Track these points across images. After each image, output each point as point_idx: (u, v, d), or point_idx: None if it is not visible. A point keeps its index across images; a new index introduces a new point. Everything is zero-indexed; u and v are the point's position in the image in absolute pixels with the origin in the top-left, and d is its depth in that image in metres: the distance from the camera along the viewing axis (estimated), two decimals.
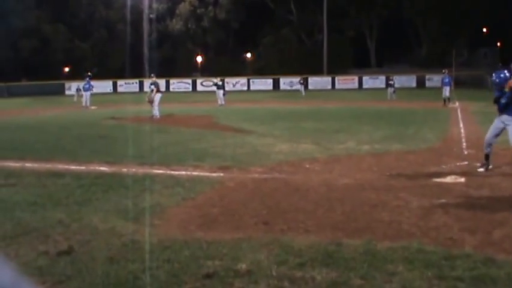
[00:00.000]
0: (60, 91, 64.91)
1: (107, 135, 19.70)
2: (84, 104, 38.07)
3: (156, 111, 26.93)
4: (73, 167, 12.42)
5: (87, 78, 40.53)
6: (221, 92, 38.15)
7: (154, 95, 27.29)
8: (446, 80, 33.50)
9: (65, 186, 10.16)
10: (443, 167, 11.93)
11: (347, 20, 78.28)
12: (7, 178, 11.15)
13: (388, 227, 7.24)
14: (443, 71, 35.68)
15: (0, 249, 6.44)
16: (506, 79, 11.29)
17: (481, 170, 11.37)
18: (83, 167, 12.41)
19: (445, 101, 32.41)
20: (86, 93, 38.84)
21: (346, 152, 14.53)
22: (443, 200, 8.66)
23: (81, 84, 42.08)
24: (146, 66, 60.65)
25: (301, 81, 56.34)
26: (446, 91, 32.90)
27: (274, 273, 5.61)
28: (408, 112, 28.36)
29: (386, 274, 5.54)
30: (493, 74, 11.91)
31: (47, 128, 23.07)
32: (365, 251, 6.22)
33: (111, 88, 68.42)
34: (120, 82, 69.38)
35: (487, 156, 11.52)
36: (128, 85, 68.25)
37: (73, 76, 68.30)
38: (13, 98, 56.76)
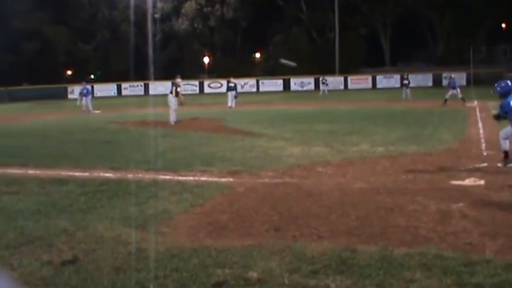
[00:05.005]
0: (62, 95, 64.58)
1: (112, 140, 19.56)
2: (84, 108, 37.86)
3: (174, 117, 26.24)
4: (77, 174, 12.26)
5: (84, 83, 40.69)
6: (233, 93, 37.85)
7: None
8: (455, 84, 33.76)
9: (69, 194, 10.03)
10: (462, 169, 11.70)
11: (359, 17, 77.75)
12: (9, 185, 11.04)
13: (404, 232, 7.06)
14: (451, 76, 35.94)
15: (3, 259, 6.31)
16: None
17: (500, 164, 11.28)
18: (87, 174, 12.27)
19: (445, 100, 32.29)
20: (85, 98, 38.81)
21: (360, 154, 14.30)
22: (461, 204, 8.45)
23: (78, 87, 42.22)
24: (151, 68, 60.37)
25: (324, 81, 55.64)
26: (458, 93, 32.84)
27: (286, 282, 5.49)
28: (424, 112, 28.14)
29: (403, 281, 5.39)
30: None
31: (49, 134, 22.93)
32: (381, 257, 6.07)
33: (116, 91, 68.26)
34: (124, 85, 68.91)
35: (506, 153, 11.41)
36: (132, 88, 67.88)
37: (76, 79, 67.99)
38: (14, 102, 56.53)
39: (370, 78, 66.28)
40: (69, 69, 79.61)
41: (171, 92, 26.29)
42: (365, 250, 6.30)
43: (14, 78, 66.86)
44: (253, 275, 5.65)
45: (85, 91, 39.03)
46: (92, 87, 60.93)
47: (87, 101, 38.39)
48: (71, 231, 7.50)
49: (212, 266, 5.93)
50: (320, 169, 12.19)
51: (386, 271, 5.62)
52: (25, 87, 68.30)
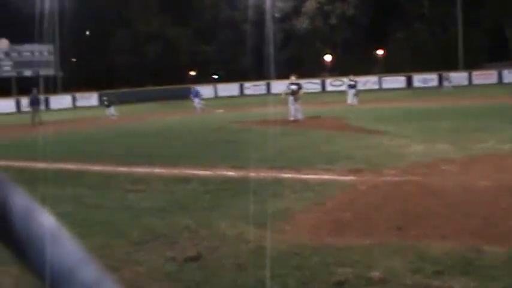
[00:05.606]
0: (185, 95, 65.91)
1: (234, 139, 19.79)
2: (199, 110, 39.67)
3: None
4: (200, 172, 12.53)
5: (193, 86, 42.33)
6: (353, 91, 37.66)
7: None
8: None
9: (193, 192, 10.30)
10: None
11: (483, 10, 74.79)
12: (135, 184, 11.44)
13: None
14: None
15: (129, 255, 6.57)
16: None
17: None
18: (210, 172, 12.49)
19: None
20: (196, 99, 41.25)
21: (486, 152, 13.73)
22: None
23: (203, 88, 43.73)
24: (272, 68, 60.55)
25: (447, 77, 54.14)
26: None
27: (409, 282, 5.40)
28: None
29: None
30: None
31: (173, 133, 23.52)
32: (508, 259, 5.84)
33: (238, 91, 69.05)
34: (247, 84, 69.48)
35: None
36: (255, 87, 68.28)
37: (199, 80, 69.32)
38: (140, 103, 58.30)
39: (495, 72, 63.63)
40: (192, 70, 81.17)
41: (289, 91, 26.85)
42: (491, 251, 6.08)
43: (139, 80, 69.11)
44: (375, 274, 5.59)
45: (194, 93, 40.94)
46: (215, 88, 62.89)
47: (197, 102, 40.58)
48: (194, 229, 7.68)
49: (333, 265, 5.92)
50: (443, 167, 11.86)
51: None
52: (149, 88, 70.14)
